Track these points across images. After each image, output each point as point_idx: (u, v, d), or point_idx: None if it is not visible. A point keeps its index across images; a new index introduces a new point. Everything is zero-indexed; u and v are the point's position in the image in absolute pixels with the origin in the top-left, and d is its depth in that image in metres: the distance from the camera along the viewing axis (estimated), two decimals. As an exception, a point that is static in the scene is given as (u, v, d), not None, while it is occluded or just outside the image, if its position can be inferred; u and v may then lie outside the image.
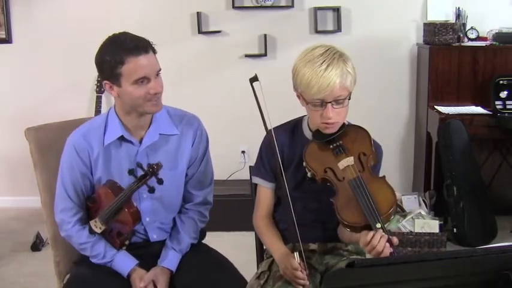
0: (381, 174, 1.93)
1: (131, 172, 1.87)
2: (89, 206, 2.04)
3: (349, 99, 1.84)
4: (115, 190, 1.94)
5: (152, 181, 1.85)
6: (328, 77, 1.77)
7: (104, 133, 1.99)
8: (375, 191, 1.72)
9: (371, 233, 1.66)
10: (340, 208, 1.74)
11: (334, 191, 1.79)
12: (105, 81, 1.92)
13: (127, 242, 2.03)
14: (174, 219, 2.11)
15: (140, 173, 1.86)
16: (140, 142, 2.00)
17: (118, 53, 1.84)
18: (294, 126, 1.99)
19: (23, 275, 3.44)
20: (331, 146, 1.85)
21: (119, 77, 1.86)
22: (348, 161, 1.80)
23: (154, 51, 1.92)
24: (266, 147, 2.00)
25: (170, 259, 2.02)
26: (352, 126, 1.93)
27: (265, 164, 2.00)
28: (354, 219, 1.71)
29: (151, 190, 1.85)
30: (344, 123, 1.90)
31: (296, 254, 1.79)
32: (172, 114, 2.08)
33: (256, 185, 2.09)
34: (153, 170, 1.83)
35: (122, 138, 1.99)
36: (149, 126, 2.01)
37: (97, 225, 1.97)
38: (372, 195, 1.70)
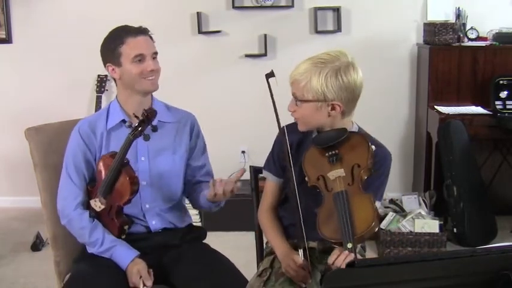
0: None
1: (129, 125, 1.99)
2: (89, 190, 2.08)
3: (330, 111, 1.84)
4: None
5: (148, 130, 1.96)
6: (295, 68, 1.86)
7: (107, 119, 2.11)
8: (356, 208, 1.70)
9: (336, 255, 1.67)
10: (321, 221, 1.74)
11: (321, 200, 1.80)
12: (107, 64, 2.07)
13: (126, 227, 2.04)
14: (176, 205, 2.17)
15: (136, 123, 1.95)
16: None
17: (119, 35, 2.04)
18: None
19: (23, 275, 3.44)
20: (327, 154, 1.84)
21: (120, 57, 2.03)
22: (338, 172, 1.78)
23: (152, 38, 2.09)
24: (277, 143, 2.03)
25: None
26: (354, 134, 1.90)
27: (275, 159, 2.03)
28: (330, 235, 1.71)
29: (147, 138, 1.97)
30: (345, 129, 1.89)
31: (300, 251, 1.80)
32: (170, 107, 2.22)
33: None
34: (147, 116, 1.91)
35: (123, 122, 2.09)
36: None
37: (97, 204, 2.01)
38: (351, 212, 1.68)
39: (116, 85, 2.13)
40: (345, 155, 1.83)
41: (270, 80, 1.89)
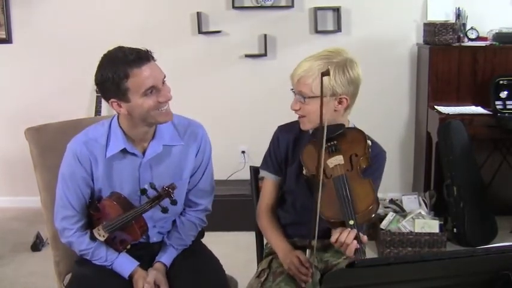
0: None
1: (143, 192, 1.84)
2: (91, 213, 2.01)
3: (337, 105, 1.87)
4: (121, 202, 1.93)
5: (166, 202, 1.84)
6: (296, 69, 1.87)
7: (106, 145, 1.94)
8: (356, 190, 1.74)
9: (339, 230, 1.68)
10: (321, 203, 1.75)
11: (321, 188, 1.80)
12: (111, 100, 1.84)
13: (129, 247, 2.03)
14: (173, 220, 2.13)
15: (153, 193, 1.84)
16: (143, 153, 1.97)
17: (120, 68, 1.78)
18: None
19: (23, 275, 3.44)
20: (326, 145, 1.86)
21: (126, 92, 1.80)
22: (337, 160, 1.82)
23: (154, 59, 1.86)
24: (274, 142, 2.05)
25: (168, 256, 2.05)
26: (351, 128, 1.96)
27: (272, 158, 2.04)
28: (332, 214, 1.73)
29: (165, 210, 1.84)
30: (343, 124, 1.92)
31: (308, 251, 1.83)
32: (177, 123, 2.02)
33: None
34: (167, 192, 1.82)
35: (124, 151, 1.95)
36: (153, 138, 1.97)
37: (100, 234, 1.95)
38: (351, 193, 1.72)
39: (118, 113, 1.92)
40: (343, 145, 1.87)
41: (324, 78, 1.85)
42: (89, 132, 1.97)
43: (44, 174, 2.16)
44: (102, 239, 1.96)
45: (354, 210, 1.68)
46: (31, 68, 4.50)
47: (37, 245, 3.76)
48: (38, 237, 3.79)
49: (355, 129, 1.96)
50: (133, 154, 1.95)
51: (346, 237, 1.65)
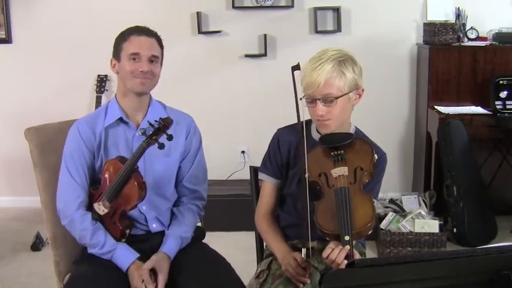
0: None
1: (143, 132, 1.97)
2: (91, 192, 2.06)
3: (356, 98, 1.90)
4: (124, 162, 2.00)
5: (162, 138, 1.95)
6: (315, 74, 1.83)
7: (105, 117, 2.11)
8: (356, 205, 1.72)
9: (332, 245, 1.68)
10: (319, 212, 1.76)
11: (320, 195, 1.81)
12: (111, 59, 2.12)
13: (128, 231, 2.04)
14: (172, 212, 2.16)
15: (151, 131, 1.96)
16: (137, 128, 2.10)
17: (126, 33, 2.09)
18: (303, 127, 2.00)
19: (23, 275, 3.44)
20: (332, 153, 1.86)
21: (120, 52, 2.07)
22: (342, 171, 1.80)
23: (160, 43, 2.14)
24: (273, 145, 2.04)
25: (170, 245, 2.06)
26: (359, 139, 1.93)
27: (271, 161, 2.04)
28: (328, 227, 1.72)
29: (161, 146, 1.94)
30: (351, 134, 1.92)
31: (303, 250, 1.82)
32: (168, 108, 2.22)
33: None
34: (165, 124, 1.94)
35: (120, 120, 2.10)
36: (146, 115, 2.12)
37: (100, 208, 1.99)
38: (351, 208, 1.70)
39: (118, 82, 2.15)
40: (349, 156, 1.85)
41: (295, 72, 1.89)
42: (89, 115, 2.18)
43: (43, 174, 2.16)
44: (102, 212, 1.99)
45: (351, 227, 1.66)
46: (31, 68, 4.50)
47: (37, 245, 3.76)
48: (38, 237, 3.79)
49: (362, 140, 1.94)
50: (128, 125, 2.10)
51: (337, 255, 1.65)
